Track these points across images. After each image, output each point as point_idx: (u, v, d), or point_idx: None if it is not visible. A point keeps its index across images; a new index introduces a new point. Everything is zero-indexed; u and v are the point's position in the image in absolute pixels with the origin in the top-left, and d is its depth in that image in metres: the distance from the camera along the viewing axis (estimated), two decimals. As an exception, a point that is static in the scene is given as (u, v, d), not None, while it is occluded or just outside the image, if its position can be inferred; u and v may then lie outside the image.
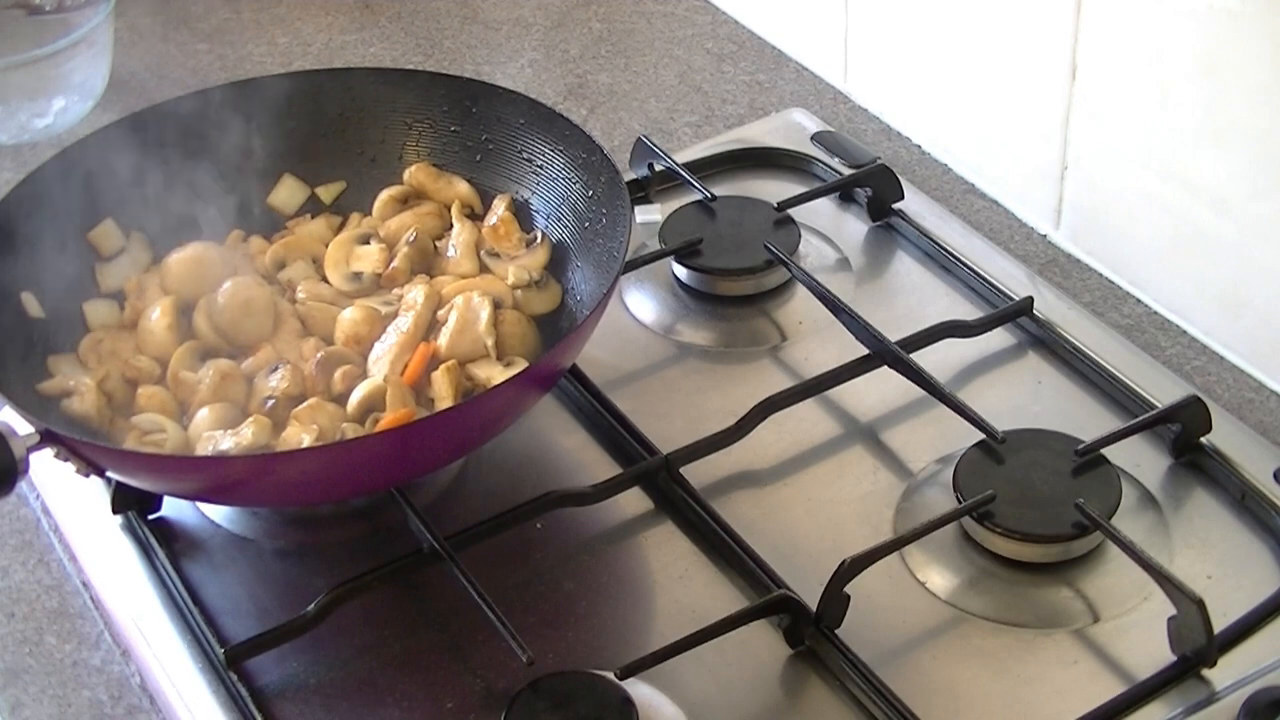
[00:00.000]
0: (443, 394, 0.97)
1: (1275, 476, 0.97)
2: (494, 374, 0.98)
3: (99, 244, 1.07)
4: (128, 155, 1.07)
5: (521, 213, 1.09)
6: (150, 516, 1.00)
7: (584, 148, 1.04)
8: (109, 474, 0.93)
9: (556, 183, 1.07)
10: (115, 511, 1.00)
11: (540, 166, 1.08)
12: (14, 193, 1.02)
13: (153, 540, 0.98)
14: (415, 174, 1.11)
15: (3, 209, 1.01)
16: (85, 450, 0.90)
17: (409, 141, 1.12)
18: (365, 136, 1.12)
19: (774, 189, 1.24)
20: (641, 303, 1.15)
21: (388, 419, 0.95)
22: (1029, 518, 0.93)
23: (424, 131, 1.12)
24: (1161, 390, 1.03)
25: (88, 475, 0.91)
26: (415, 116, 1.12)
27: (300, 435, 0.94)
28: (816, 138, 1.28)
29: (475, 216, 1.09)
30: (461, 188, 1.10)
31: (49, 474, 1.03)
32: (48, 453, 0.90)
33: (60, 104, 1.36)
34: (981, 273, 1.14)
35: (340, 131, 1.12)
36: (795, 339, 1.11)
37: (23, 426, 0.89)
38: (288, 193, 1.12)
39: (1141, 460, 0.99)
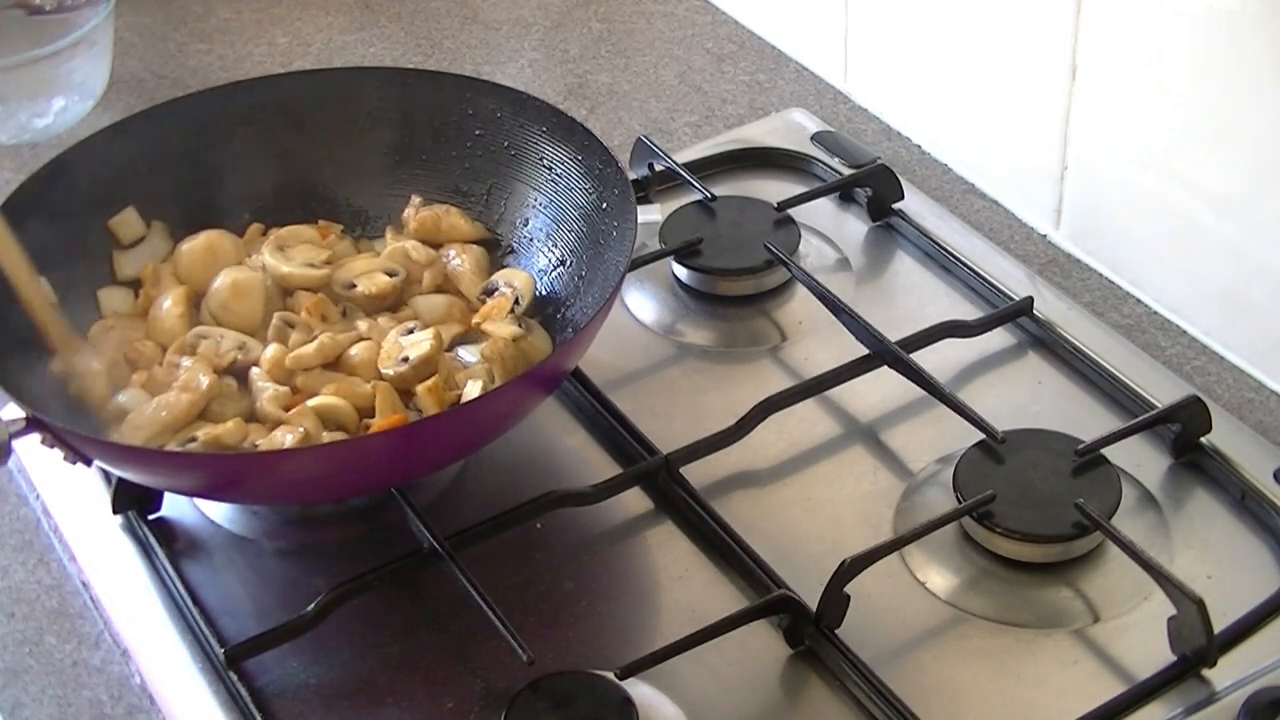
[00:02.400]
0: (429, 411, 0.97)
1: (1275, 476, 0.97)
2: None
3: (119, 232, 1.07)
4: (153, 144, 1.08)
5: (533, 222, 1.09)
6: (150, 516, 1.00)
7: (601, 159, 1.05)
8: (96, 464, 0.93)
9: (573, 191, 1.07)
10: (115, 511, 1.00)
11: (559, 175, 1.08)
12: (35, 176, 1.02)
13: (153, 540, 0.98)
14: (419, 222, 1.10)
15: (24, 192, 1.01)
16: (71, 438, 0.90)
17: (433, 143, 1.12)
18: (390, 136, 1.13)
19: (774, 189, 1.24)
20: (641, 303, 1.15)
21: (380, 423, 0.95)
22: (1029, 518, 0.93)
23: (449, 135, 1.12)
24: (1161, 390, 1.03)
25: (74, 463, 0.91)
26: (442, 120, 1.12)
27: (285, 435, 0.94)
28: (816, 138, 1.28)
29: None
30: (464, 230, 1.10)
31: (49, 474, 1.03)
32: (46, 451, 0.91)
33: (60, 104, 1.36)
34: (981, 273, 1.14)
35: (366, 130, 1.12)
36: (795, 339, 1.11)
37: (9, 412, 0.89)
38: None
39: (1141, 460, 0.99)
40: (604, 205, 1.04)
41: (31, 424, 0.89)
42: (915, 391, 1.04)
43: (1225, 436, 1.00)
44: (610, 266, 1.01)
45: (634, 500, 1.00)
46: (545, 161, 1.09)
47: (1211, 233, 1.07)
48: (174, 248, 1.08)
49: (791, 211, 1.18)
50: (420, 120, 1.12)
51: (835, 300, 1.09)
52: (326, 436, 0.95)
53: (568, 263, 1.07)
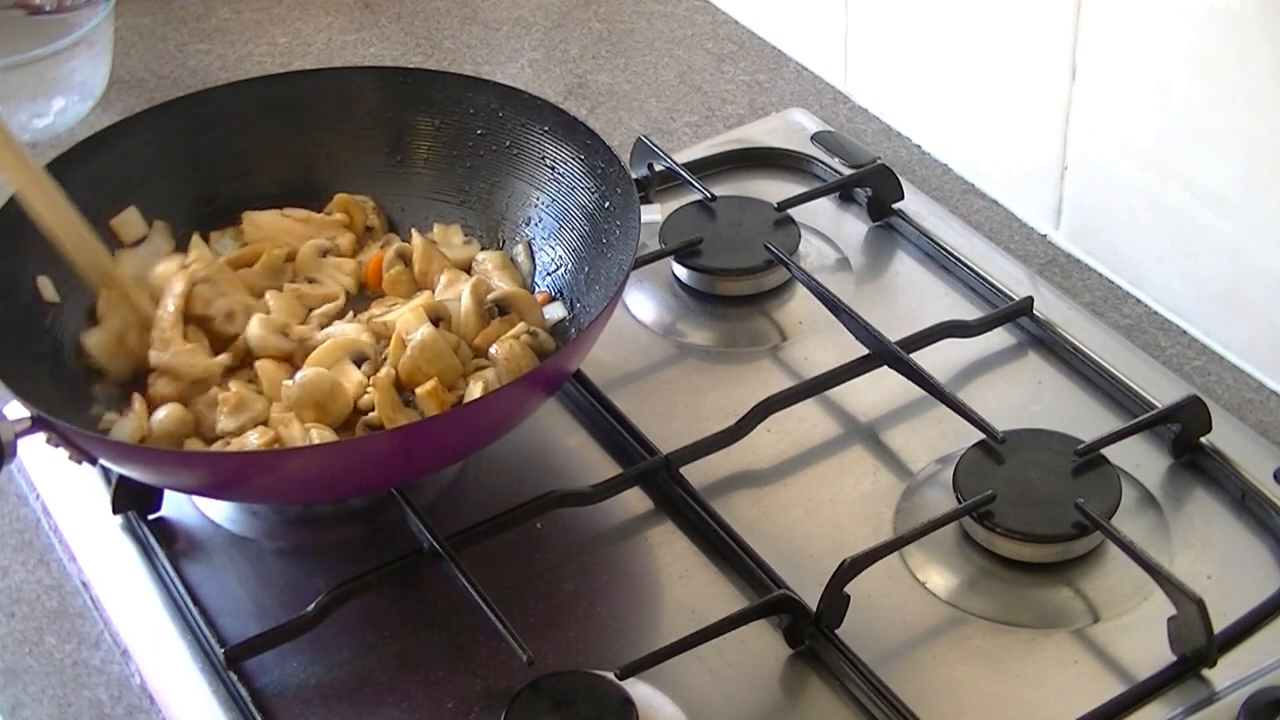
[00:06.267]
0: (430, 412, 0.97)
1: (1275, 476, 0.97)
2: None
3: (120, 231, 1.07)
4: (154, 144, 1.08)
5: (535, 222, 1.09)
6: (150, 516, 1.00)
7: (603, 158, 1.05)
8: (101, 463, 0.93)
9: (575, 191, 1.07)
10: (115, 511, 1.00)
11: (561, 174, 1.08)
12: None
13: (153, 540, 0.98)
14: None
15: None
16: (76, 438, 0.90)
17: (434, 142, 1.12)
18: (391, 135, 1.13)
19: (774, 189, 1.24)
20: (641, 303, 1.15)
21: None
22: (1029, 518, 0.93)
23: (450, 133, 1.12)
24: (1161, 390, 1.03)
25: (80, 462, 0.91)
26: (444, 118, 1.12)
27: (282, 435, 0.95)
28: (816, 138, 1.28)
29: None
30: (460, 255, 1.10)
31: (50, 474, 1.03)
32: (48, 452, 0.91)
33: (60, 104, 1.36)
34: (981, 273, 1.14)
35: (367, 129, 1.13)
36: (795, 339, 1.11)
37: (14, 411, 0.89)
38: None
39: (1141, 460, 0.99)
40: (607, 205, 1.04)
41: (37, 423, 0.89)
42: (915, 391, 1.04)
43: (1225, 436, 1.00)
44: (613, 266, 1.01)
45: (634, 500, 1.00)
46: (547, 161, 1.09)
47: (1211, 233, 1.07)
48: (176, 247, 1.09)
49: (791, 211, 1.18)
50: (421, 119, 1.12)
51: (835, 300, 1.09)
52: (316, 434, 0.95)
53: (570, 262, 1.06)
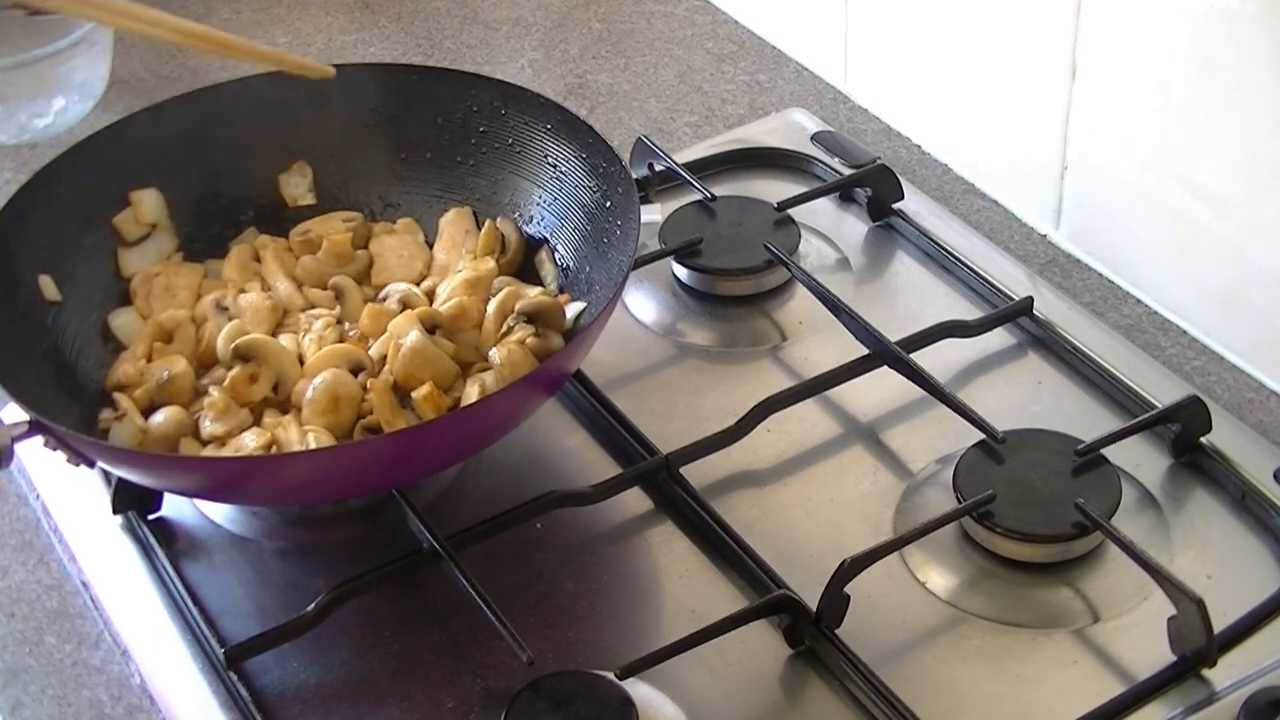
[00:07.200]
0: (427, 416, 0.97)
1: (1275, 476, 0.97)
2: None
3: (123, 229, 1.07)
4: (157, 142, 1.08)
5: (537, 220, 1.09)
6: (150, 516, 1.00)
7: (605, 157, 1.05)
8: (100, 466, 0.93)
9: (577, 189, 1.07)
10: (115, 511, 1.00)
11: (563, 173, 1.08)
12: (40, 174, 1.03)
13: (153, 540, 0.98)
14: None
15: (29, 190, 1.02)
16: (74, 441, 0.90)
17: (438, 139, 1.12)
18: (396, 132, 1.13)
19: (774, 189, 1.24)
20: (641, 303, 1.15)
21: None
22: (1029, 518, 0.93)
23: (453, 131, 1.12)
24: (1161, 390, 1.03)
25: (78, 465, 0.91)
26: (447, 116, 1.12)
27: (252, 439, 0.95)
28: (816, 138, 1.28)
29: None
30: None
31: (50, 475, 1.03)
32: (47, 452, 0.91)
33: (60, 104, 1.36)
34: (981, 273, 1.14)
35: (371, 127, 1.12)
36: (795, 339, 1.11)
37: (11, 414, 0.89)
38: (297, 180, 1.12)
39: (1141, 460, 0.99)
40: (608, 204, 1.04)
41: (34, 427, 0.89)
42: (915, 391, 1.04)
43: (1225, 436, 1.00)
44: (613, 266, 1.01)
45: (634, 500, 1.00)
46: (549, 159, 1.09)
47: (1211, 233, 1.07)
48: (178, 245, 1.09)
49: (791, 211, 1.18)
50: (425, 117, 1.12)
51: (835, 300, 1.09)
52: (314, 437, 0.95)
53: (571, 262, 1.06)
